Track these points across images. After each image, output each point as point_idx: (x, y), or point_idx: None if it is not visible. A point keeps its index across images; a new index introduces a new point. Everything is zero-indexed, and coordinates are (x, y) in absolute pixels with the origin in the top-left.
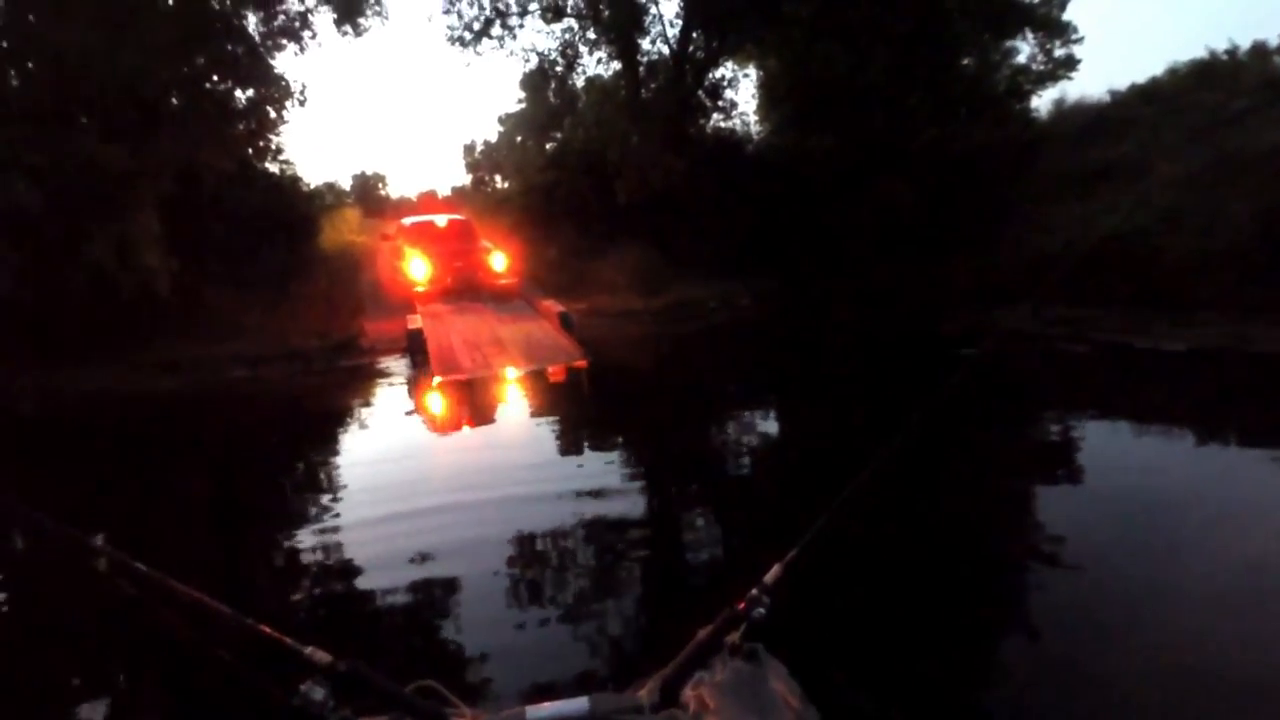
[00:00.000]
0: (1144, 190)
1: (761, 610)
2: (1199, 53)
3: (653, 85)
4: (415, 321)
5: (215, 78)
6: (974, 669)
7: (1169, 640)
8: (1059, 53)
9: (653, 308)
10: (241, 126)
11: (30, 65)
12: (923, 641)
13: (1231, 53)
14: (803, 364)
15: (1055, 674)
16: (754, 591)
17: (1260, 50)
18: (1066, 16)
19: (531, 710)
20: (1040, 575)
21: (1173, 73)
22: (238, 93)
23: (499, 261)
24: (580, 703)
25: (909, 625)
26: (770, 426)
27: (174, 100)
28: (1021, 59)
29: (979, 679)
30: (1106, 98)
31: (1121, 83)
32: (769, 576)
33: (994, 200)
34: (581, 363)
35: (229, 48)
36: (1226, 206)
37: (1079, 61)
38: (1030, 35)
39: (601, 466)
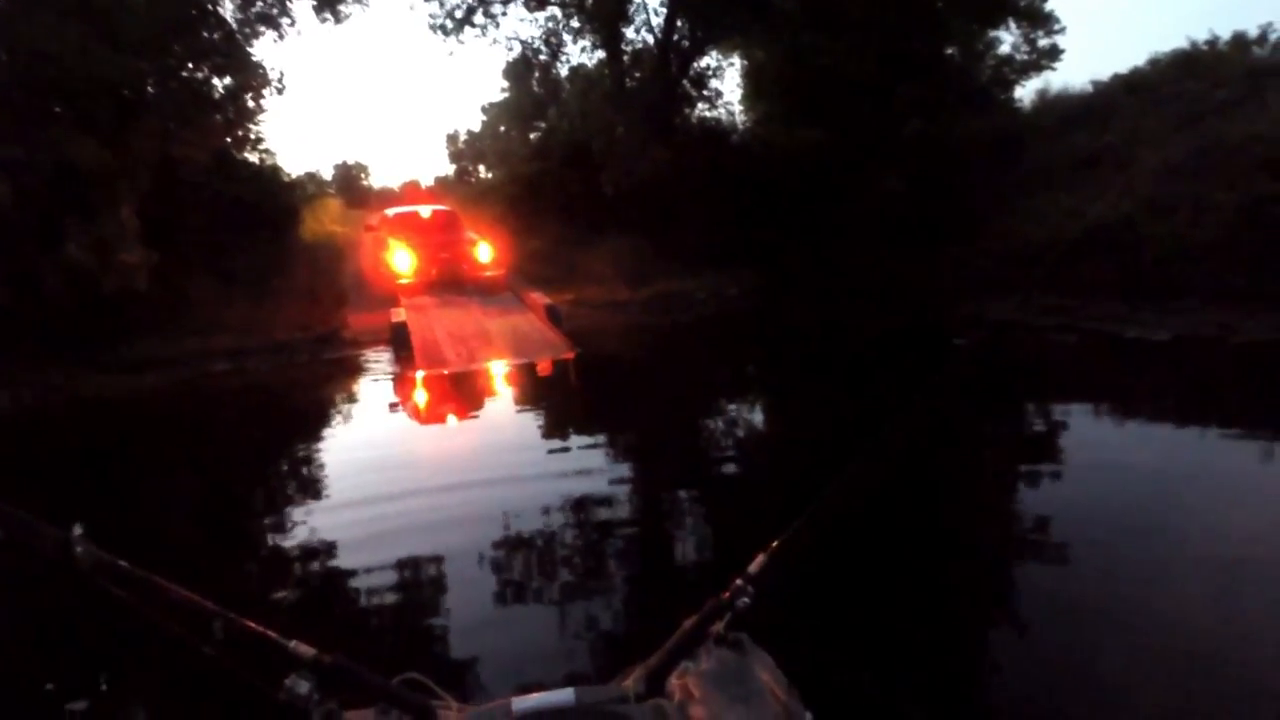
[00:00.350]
0: (1129, 180)
1: (746, 600)
2: (1179, 43)
3: (637, 74)
4: (399, 314)
5: (191, 66)
6: (961, 657)
7: (1154, 625)
8: (1042, 43)
9: (640, 299)
10: (219, 116)
11: (2, 57)
12: (910, 631)
13: (1212, 43)
14: (790, 355)
15: (1040, 661)
16: (739, 581)
17: (1240, 41)
18: (1049, 6)
19: (518, 701)
20: (1026, 564)
21: (1154, 63)
22: (215, 81)
23: (484, 253)
24: (566, 694)
25: (896, 615)
26: (758, 416)
27: (150, 89)
28: (1005, 49)
29: (966, 666)
30: (1089, 88)
31: (1103, 73)
32: (754, 566)
33: (981, 191)
34: (569, 355)
35: (205, 35)
36: (1211, 196)
37: (1062, 52)
38: (1014, 25)
39: (586, 456)
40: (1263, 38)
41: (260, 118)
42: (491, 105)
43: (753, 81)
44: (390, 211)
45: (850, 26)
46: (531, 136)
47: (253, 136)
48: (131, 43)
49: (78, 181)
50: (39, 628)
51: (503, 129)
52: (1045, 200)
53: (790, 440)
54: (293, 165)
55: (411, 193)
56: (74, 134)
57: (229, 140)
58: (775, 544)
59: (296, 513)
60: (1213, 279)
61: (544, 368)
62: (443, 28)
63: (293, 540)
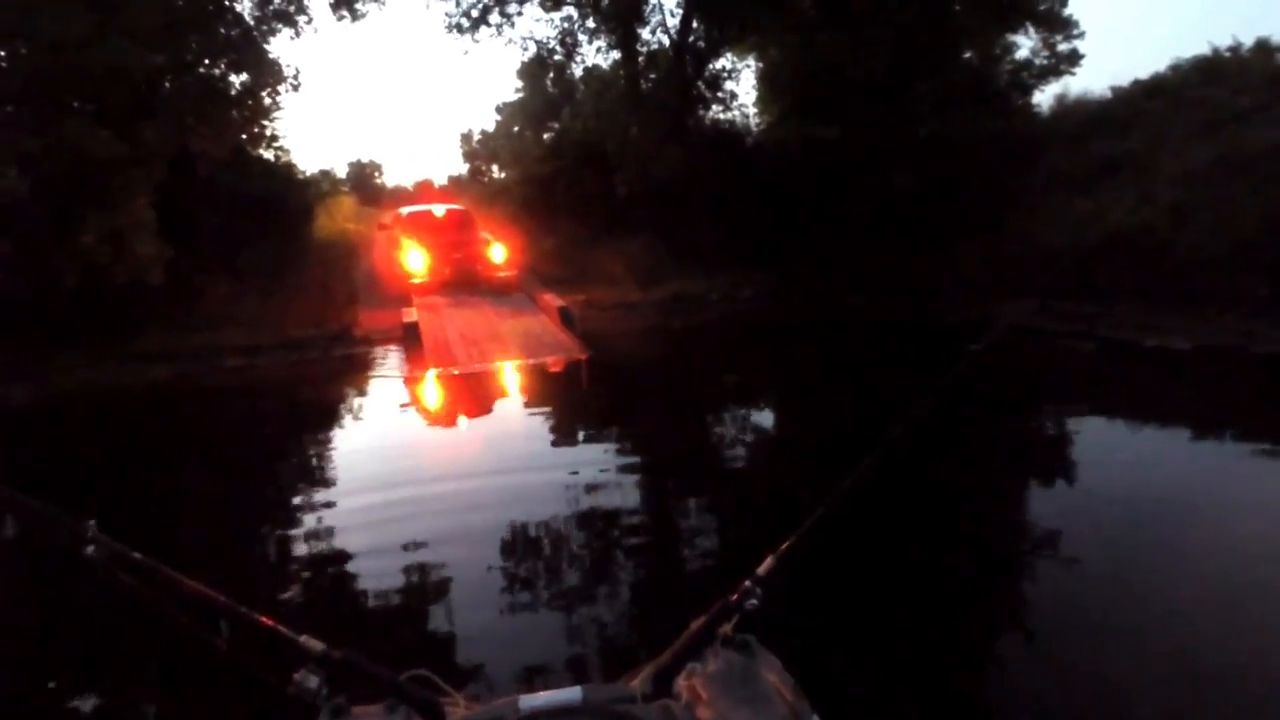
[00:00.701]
0: (1150, 186)
1: (754, 601)
2: (1202, 49)
3: (652, 76)
4: (411, 314)
5: (208, 61)
6: (968, 661)
7: (1161, 630)
8: (1062, 48)
9: (652, 300)
10: (235, 112)
11: (22, 50)
12: (917, 634)
13: (1235, 49)
14: (803, 357)
15: (1047, 664)
16: (747, 583)
17: (1265, 47)
18: (1068, 11)
19: (525, 700)
20: (1034, 567)
21: (1176, 69)
22: (231, 77)
23: (498, 253)
24: (573, 692)
25: (903, 617)
26: (769, 418)
27: (167, 84)
28: (1023, 53)
29: (973, 670)
30: (1109, 94)
31: (1123, 79)
32: (762, 568)
33: (998, 194)
34: (581, 357)
35: (222, 31)
36: (1233, 203)
37: (1082, 57)
38: (1032, 29)
39: (597, 457)
40: None
41: (276, 115)
42: (506, 105)
43: (767, 82)
44: (404, 210)
45: (865, 25)
46: (545, 137)
47: (268, 133)
48: (146, 34)
49: (93, 173)
50: (51, 617)
51: (517, 129)
52: (1064, 205)
53: (804, 441)
54: (307, 163)
55: (425, 191)
56: (89, 125)
57: (245, 137)
58: (784, 546)
59: (305, 505)
60: (1235, 287)
61: (555, 365)
62: (458, 26)
63: (301, 536)
